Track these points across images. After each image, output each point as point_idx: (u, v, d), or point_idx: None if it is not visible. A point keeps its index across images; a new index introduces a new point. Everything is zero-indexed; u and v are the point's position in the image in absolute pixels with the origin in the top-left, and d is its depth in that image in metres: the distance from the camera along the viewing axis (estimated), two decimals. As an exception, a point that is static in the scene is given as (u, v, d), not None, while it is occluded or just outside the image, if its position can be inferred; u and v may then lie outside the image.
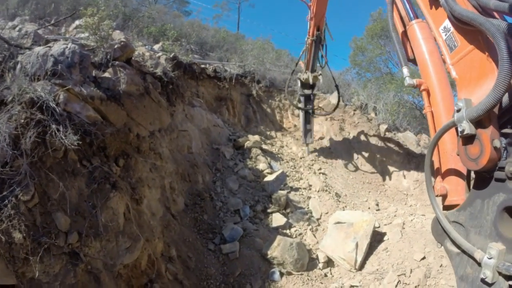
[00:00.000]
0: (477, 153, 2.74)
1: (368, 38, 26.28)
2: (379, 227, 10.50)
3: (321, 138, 16.74)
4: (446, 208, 3.49)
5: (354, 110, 17.78)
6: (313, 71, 13.89)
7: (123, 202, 6.20)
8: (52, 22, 12.97)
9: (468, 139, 2.85)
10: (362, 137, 16.64)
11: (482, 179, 2.84)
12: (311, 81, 13.80)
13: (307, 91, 14.88)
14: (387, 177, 15.39)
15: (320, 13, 11.89)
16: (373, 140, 16.44)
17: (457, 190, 3.46)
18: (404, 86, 19.55)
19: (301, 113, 15.39)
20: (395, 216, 11.46)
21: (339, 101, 15.10)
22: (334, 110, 15.57)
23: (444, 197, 3.57)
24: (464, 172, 3.36)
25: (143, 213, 6.96)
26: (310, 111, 15.21)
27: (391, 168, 15.67)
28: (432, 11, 3.65)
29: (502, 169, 2.61)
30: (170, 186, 8.95)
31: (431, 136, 3.68)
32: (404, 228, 10.20)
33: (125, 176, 6.89)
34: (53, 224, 5.02)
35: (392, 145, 16.20)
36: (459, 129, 2.85)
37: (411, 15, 4.47)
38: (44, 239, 4.76)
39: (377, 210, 12.49)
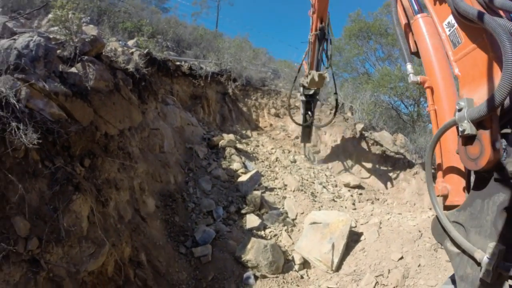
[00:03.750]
0: (477, 153, 2.74)
1: (346, 38, 26.55)
2: (355, 226, 10.50)
3: (297, 138, 16.63)
4: (447, 208, 3.48)
5: (331, 110, 17.77)
6: (317, 69, 12.87)
7: (87, 205, 5.89)
8: (24, 14, 12.60)
9: (468, 139, 2.85)
10: (338, 137, 16.59)
11: (482, 179, 2.84)
12: (316, 80, 12.53)
13: (309, 94, 14.22)
14: (363, 176, 15.44)
15: (323, 4, 11.40)
16: (349, 139, 16.47)
17: (458, 190, 3.46)
18: (380, 84, 19.89)
19: (301, 116, 14.94)
20: (371, 215, 11.50)
21: (336, 110, 14.43)
22: (331, 121, 14.91)
23: (445, 197, 3.56)
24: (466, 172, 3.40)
25: (109, 216, 6.66)
26: (309, 115, 14.68)
27: (367, 167, 15.74)
28: (437, 6, 3.60)
29: (502, 169, 2.61)
30: (140, 187, 8.66)
31: (434, 134, 3.62)
32: (381, 228, 10.21)
33: (90, 177, 6.58)
34: (12, 229, 4.76)
35: (368, 145, 16.26)
36: (460, 129, 2.85)
37: (416, 8, 4.37)
38: (2, 246, 4.49)
39: (353, 210, 12.48)
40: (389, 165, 15.55)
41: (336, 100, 14.15)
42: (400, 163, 15.33)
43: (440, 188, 3.57)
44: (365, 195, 14.10)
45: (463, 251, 2.93)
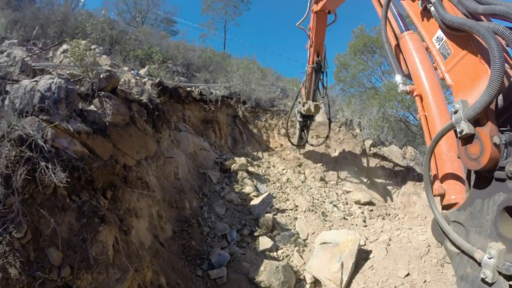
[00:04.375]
0: (477, 152, 2.81)
1: (351, 54, 26.77)
2: (364, 244, 10.65)
3: (308, 157, 16.96)
4: (445, 207, 3.60)
5: (339, 127, 18.01)
6: (314, 100, 13.72)
7: (111, 234, 6.35)
8: (40, 46, 13.17)
9: (467, 139, 2.93)
10: (348, 154, 16.83)
11: (482, 179, 2.91)
12: (312, 110, 13.62)
13: (305, 120, 15.01)
14: (373, 192, 15.53)
15: (319, 39, 12.03)
16: (359, 156, 16.66)
17: (454, 189, 3.57)
18: (387, 98, 20.10)
19: (297, 132, 15.65)
20: (381, 232, 11.64)
21: (328, 133, 15.48)
22: (324, 142, 16.08)
23: (442, 196, 3.68)
24: (461, 171, 3.53)
25: (131, 244, 7.09)
26: (305, 133, 15.51)
27: (377, 183, 15.85)
28: (424, 23, 3.88)
29: (502, 168, 2.67)
30: (158, 214, 9.05)
31: (426, 139, 3.90)
32: (389, 245, 10.34)
33: (113, 208, 7.04)
34: (46, 259, 5.17)
35: (377, 160, 16.39)
36: (458, 130, 2.94)
37: (403, 28, 4.75)
38: (39, 274, 4.90)
39: (364, 227, 12.61)
40: (399, 180, 15.60)
41: (329, 123, 15.30)
42: (410, 177, 15.37)
43: (436, 187, 3.69)
44: (376, 211, 14.18)
45: (463, 251, 2.98)
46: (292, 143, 15.97)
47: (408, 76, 4.64)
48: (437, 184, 3.74)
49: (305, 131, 15.49)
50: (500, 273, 2.57)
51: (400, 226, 12.16)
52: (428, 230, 11.06)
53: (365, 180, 16.09)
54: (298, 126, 15.42)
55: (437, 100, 4.00)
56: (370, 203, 14.60)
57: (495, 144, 2.69)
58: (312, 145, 16.62)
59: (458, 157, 3.09)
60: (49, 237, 5.34)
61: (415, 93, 4.24)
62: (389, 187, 15.65)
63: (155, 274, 7.59)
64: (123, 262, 6.37)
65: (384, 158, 16.42)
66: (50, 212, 5.52)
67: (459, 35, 3.29)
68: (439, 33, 3.60)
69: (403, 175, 15.67)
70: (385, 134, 17.96)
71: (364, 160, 16.58)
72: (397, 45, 4.84)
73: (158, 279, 7.59)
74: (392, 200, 15.21)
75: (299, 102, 14.68)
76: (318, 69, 12.91)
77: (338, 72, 28.09)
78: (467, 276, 2.93)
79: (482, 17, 3.13)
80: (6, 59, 9.82)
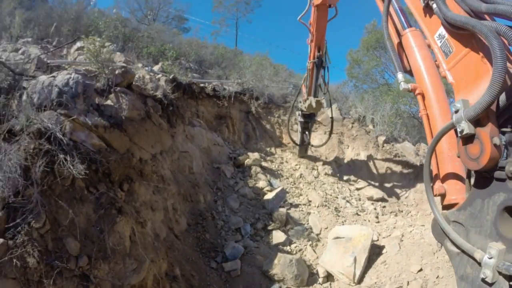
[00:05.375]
0: (477, 152, 2.78)
1: (363, 50, 26.58)
2: (377, 240, 10.63)
3: (321, 153, 16.96)
4: (446, 207, 3.56)
5: (352, 123, 17.98)
6: (315, 96, 13.44)
7: (128, 225, 6.46)
8: (54, 44, 13.33)
9: (468, 139, 2.90)
10: (361, 150, 16.80)
11: (482, 179, 2.89)
12: (314, 106, 13.23)
13: (307, 115, 14.69)
14: (386, 189, 15.49)
15: (320, 34, 11.92)
16: (372, 152, 16.62)
17: (455, 189, 3.52)
18: (400, 94, 19.96)
19: (299, 134, 15.53)
20: (394, 228, 11.57)
21: (331, 132, 15.18)
22: (326, 142, 15.75)
23: (443, 196, 3.63)
24: (462, 171, 3.46)
25: (147, 235, 7.20)
26: (306, 135, 15.30)
27: (390, 180, 15.83)
28: (427, 19, 3.83)
29: (502, 168, 2.65)
30: (173, 207, 9.17)
31: (428, 138, 3.86)
32: (402, 241, 10.30)
33: (129, 200, 7.16)
34: (64, 248, 5.28)
35: (390, 157, 16.33)
36: (458, 130, 2.91)
37: (405, 25, 4.68)
38: (56, 263, 5.01)
39: (376, 223, 12.59)
40: (412, 176, 15.55)
41: (332, 122, 14.86)
42: (423, 174, 15.23)
43: (437, 187, 3.65)
44: (389, 207, 14.16)
45: (463, 251, 2.96)
46: (294, 142, 15.79)
47: (409, 73, 4.60)
48: (438, 184, 3.72)
49: (307, 132, 15.29)
50: (500, 273, 2.57)
51: (412, 222, 12.09)
52: None
53: (378, 176, 16.04)
54: (299, 127, 15.31)
55: (439, 99, 3.94)
56: (382, 199, 14.57)
57: (495, 145, 2.68)
58: (313, 145, 16.51)
59: (458, 156, 3.08)
60: (67, 228, 5.45)
61: (417, 92, 4.18)
62: (402, 184, 15.60)
63: (170, 265, 7.71)
64: (140, 253, 6.48)
65: (397, 154, 16.38)
66: (68, 203, 5.63)
67: (461, 33, 3.25)
68: (441, 30, 3.55)
69: (416, 172, 15.60)
70: (398, 130, 17.87)
71: (377, 157, 16.52)
72: (399, 42, 4.75)
73: (173, 271, 7.70)
74: (404, 197, 15.15)
75: (300, 102, 14.55)
76: (320, 64, 12.75)
77: (350, 68, 27.93)
78: (467, 276, 2.93)
79: (485, 16, 3.11)
80: (21, 56, 9.98)
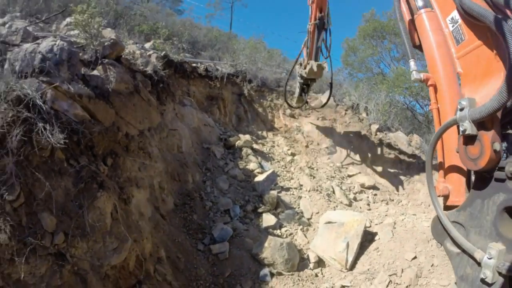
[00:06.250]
0: (476, 153, 2.74)
1: (360, 38, 26.45)
2: (370, 226, 10.52)
3: (313, 139, 16.73)
4: (447, 208, 3.47)
5: (346, 110, 17.78)
6: (316, 59, 12.51)
7: (110, 202, 6.10)
8: (43, 19, 12.86)
9: (469, 139, 2.84)
10: (353, 138, 16.66)
11: (482, 179, 2.84)
12: (315, 70, 12.30)
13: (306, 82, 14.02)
14: (378, 177, 15.45)
15: None
16: (364, 140, 16.50)
17: (459, 191, 3.44)
18: (395, 83, 19.80)
19: (296, 95, 14.99)
20: (386, 215, 11.54)
21: (329, 98, 14.72)
22: (324, 105, 15.45)
23: (446, 197, 3.54)
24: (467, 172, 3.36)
25: (131, 213, 6.87)
26: (304, 94, 14.69)
27: (382, 168, 15.76)
28: (440, 0, 3.60)
29: (502, 169, 2.61)
30: (160, 186, 8.88)
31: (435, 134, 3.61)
32: (395, 228, 10.23)
33: (113, 175, 6.80)
34: (39, 224, 4.95)
35: (383, 145, 16.24)
36: (461, 128, 2.84)
37: (420, 4, 4.23)
38: (30, 240, 4.69)
39: (368, 210, 12.54)
40: (404, 166, 15.54)
41: (331, 84, 14.27)
42: (415, 164, 15.31)
43: (441, 188, 3.56)
44: (380, 195, 14.12)
45: (463, 251, 2.94)
46: (289, 105, 15.45)
47: (419, 48, 4.28)
48: (442, 184, 3.62)
49: (305, 91, 14.60)
50: (500, 273, 2.54)
51: (404, 211, 12.10)
52: (432, 217, 10.87)
53: (370, 164, 15.99)
54: (298, 86, 14.60)
55: (452, 93, 3.69)
56: (374, 187, 14.54)
57: (495, 150, 2.63)
58: (311, 106, 16.35)
59: (457, 152, 3.01)
60: (43, 201, 5.11)
61: (429, 83, 3.89)
62: (394, 173, 15.59)
63: (155, 246, 7.41)
64: (122, 232, 6.15)
65: (389, 144, 16.27)
66: (45, 175, 5.28)
67: (476, 23, 3.00)
68: (455, 14, 3.31)
69: (408, 162, 15.63)
70: (392, 120, 17.74)
71: (369, 145, 16.42)
72: (412, 22, 4.38)
73: (157, 252, 7.41)
74: (396, 186, 15.16)
75: (300, 64, 13.67)
76: (321, 26, 11.85)
77: (346, 56, 27.77)
78: (467, 277, 2.90)
79: (506, 10, 2.82)
80: (8, 30, 9.56)
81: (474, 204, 2.91)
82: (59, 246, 5.07)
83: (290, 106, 15.73)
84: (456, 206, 3.26)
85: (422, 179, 14.62)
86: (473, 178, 3.08)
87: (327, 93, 15.95)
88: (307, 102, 15.39)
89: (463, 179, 3.39)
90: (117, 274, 6.06)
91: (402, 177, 15.27)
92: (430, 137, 16.26)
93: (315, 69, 12.28)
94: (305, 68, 12.94)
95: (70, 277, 5.11)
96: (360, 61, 26.82)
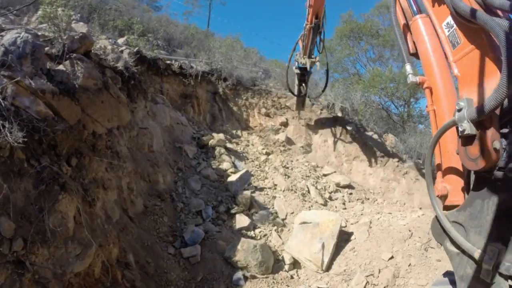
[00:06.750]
0: (476, 153, 2.74)
1: (337, 39, 26.43)
2: (345, 226, 10.55)
3: (288, 138, 16.64)
4: (446, 208, 3.49)
5: (321, 110, 17.88)
6: (310, 56, 13.78)
7: (73, 205, 5.77)
8: (12, 11, 12.44)
9: (468, 139, 2.84)
10: (329, 137, 16.67)
11: (482, 179, 2.85)
12: (308, 66, 13.83)
13: (303, 67, 14.73)
14: (353, 176, 15.54)
15: (319, 2, 11.61)
16: (339, 140, 16.59)
17: (458, 190, 3.47)
18: (371, 84, 19.91)
19: (296, 87, 15.48)
20: (361, 214, 11.63)
21: (326, 85, 15.47)
22: (322, 92, 16.04)
23: (445, 197, 3.56)
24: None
25: (96, 216, 6.54)
26: (303, 87, 15.38)
27: (357, 167, 15.84)
28: (435, 8, 3.57)
29: (501, 169, 2.61)
30: (128, 187, 8.58)
31: (433, 135, 3.62)
32: (371, 227, 10.27)
33: (77, 176, 6.45)
34: (-4, 229, 4.60)
35: (358, 145, 16.35)
36: (460, 129, 2.84)
37: (415, 9, 4.33)
38: (-14, 247, 4.34)
39: (343, 209, 12.56)
40: (379, 165, 15.64)
41: (327, 74, 15.44)
42: (389, 163, 15.42)
43: (439, 188, 3.57)
44: (355, 194, 14.20)
45: (463, 251, 2.93)
46: (292, 93, 15.70)
47: (415, 56, 4.33)
48: (440, 184, 3.63)
49: (304, 84, 15.35)
50: (500, 273, 2.56)
51: (380, 210, 12.22)
52: (408, 215, 11.05)
53: (345, 163, 16.08)
54: (296, 78, 15.32)
55: (448, 94, 3.76)
56: (349, 186, 14.64)
57: (495, 149, 2.62)
58: (309, 97, 16.57)
59: (457, 153, 3.03)
60: (0, 205, 4.75)
61: (425, 85, 3.97)
62: (369, 172, 15.69)
63: (122, 251, 7.13)
64: (85, 236, 5.82)
65: (364, 143, 16.37)
66: (4, 177, 4.93)
67: (471, 26, 3.01)
68: (450, 19, 3.33)
69: (383, 161, 15.72)
70: (367, 120, 17.88)
71: (344, 144, 16.53)
72: (406, 27, 4.47)
73: (125, 257, 7.12)
74: (371, 184, 15.27)
75: (297, 54, 14.59)
76: (316, 29, 12.66)
77: (322, 56, 27.70)
78: (467, 277, 2.90)
79: (498, 11, 2.86)
80: (-26, 23, 9.14)
81: (474, 204, 2.91)
82: (18, 253, 4.73)
83: (293, 94, 15.91)
84: (455, 206, 3.29)
85: (397, 178, 14.84)
86: (473, 178, 3.06)
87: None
88: (305, 94, 15.78)
89: (461, 179, 3.43)
90: (81, 282, 5.76)
91: (377, 176, 15.35)
92: (404, 137, 16.49)
93: (308, 65, 13.86)
94: (302, 59, 14.11)
95: (30, 286, 4.78)
96: (337, 61, 26.85)
